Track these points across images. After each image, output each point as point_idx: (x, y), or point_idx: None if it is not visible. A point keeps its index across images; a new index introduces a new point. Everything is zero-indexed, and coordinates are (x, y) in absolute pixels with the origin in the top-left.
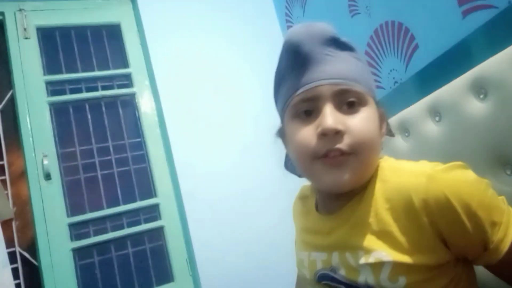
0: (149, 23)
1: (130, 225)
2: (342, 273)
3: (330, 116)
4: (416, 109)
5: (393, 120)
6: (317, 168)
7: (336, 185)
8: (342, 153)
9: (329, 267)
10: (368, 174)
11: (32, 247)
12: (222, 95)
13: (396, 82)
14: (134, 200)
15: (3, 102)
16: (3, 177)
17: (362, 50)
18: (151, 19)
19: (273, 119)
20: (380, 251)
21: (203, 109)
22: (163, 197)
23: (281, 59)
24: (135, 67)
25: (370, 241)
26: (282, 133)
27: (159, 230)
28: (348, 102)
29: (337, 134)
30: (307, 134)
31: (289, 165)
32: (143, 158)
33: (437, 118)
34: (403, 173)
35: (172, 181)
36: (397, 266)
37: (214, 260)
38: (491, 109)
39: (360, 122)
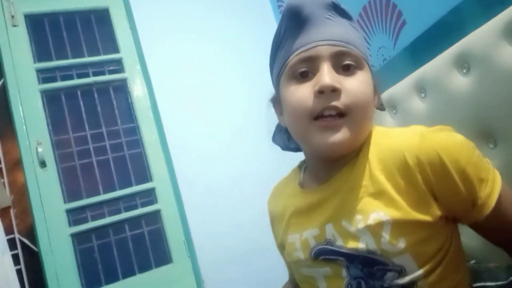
0: (137, 6)
1: (127, 209)
2: (339, 243)
3: (327, 75)
4: (402, 86)
5: (382, 98)
6: (313, 130)
7: (330, 146)
8: (338, 112)
9: (323, 241)
10: (361, 137)
11: (31, 233)
12: (214, 78)
13: (385, 59)
14: (130, 185)
15: None
16: None
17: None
18: (140, 2)
19: (267, 100)
20: (378, 212)
21: (195, 92)
22: (159, 181)
23: (280, 24)
24: (126, 52)
25: (367, 203)
26: (275, 101)
27: (156, 214)
28: (345, 64)
29: (334, 92)
30: (304, 93)
31: (277, 137)
32: (137, 143)
33: (422, 95)
34: (395, 135)
35: (167, 165)
36: (396, 226)
37: (211, 241)
38: (474, 83)
39: (356, 84)
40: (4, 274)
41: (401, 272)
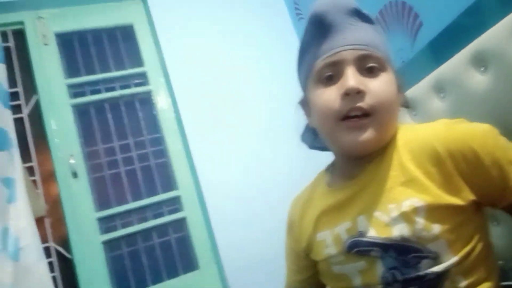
0: (160, 22)
1: (154, 217)
2: (372, 233)
3: (352, 77)
4: (421, 87)
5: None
6: (340, 130)
7: (358, 145)
8: (363, 113)
9: (356, 233)
10: (388, 135)
11: (65, 241)
12: (235, 87)
13: (403, 61)
14: (156, 193)
15: (29, 107)
16: (33, 178)
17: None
18: (162, 18)
19: (289, 109)
20: (411, 199)
21: (217, 102)
22: (184, 189)
23: (305, 31)
24: (150, 65)
25: (398, 192)
26: (304, 103)
27: (182, 221)
28: (369, 67)
29: (359, 93)
30: (331, 95)
31: (306, 136)
32: (162, 153)
33: (441, 95)
34: (421, 128)
35: (191, 173)
36: (430, 211)
37: (237, 247)
38: (492, 81)
39: (380, 85)
40: (40, 281)
41: (436, 259)
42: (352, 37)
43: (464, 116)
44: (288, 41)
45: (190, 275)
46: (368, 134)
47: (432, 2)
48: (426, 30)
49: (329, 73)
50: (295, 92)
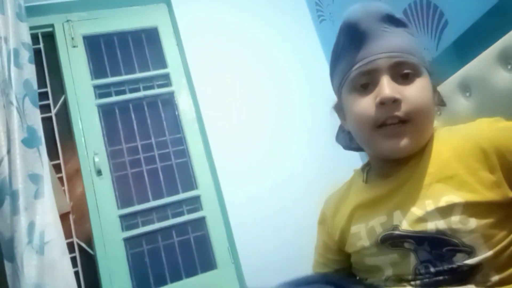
0: (184, 25)
1: (174, 216)
2: (406, 227)
3: (387, 86)
4: (446, 87)
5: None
6: (377, 137)
7: (395, 151)
8: (400, 120)
9: (390, 227)
10: (424, 140)
11: (88, 237)
12: (255, 89)
13: (428, 61)
14: (177, 193)
15: (57, 107)
16: (60, 175)
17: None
18: (186, 21)
19: (309, 112)
20: (450, 195)
21: (238, 103)
22: (204, 189)
23: (338, 39)
24: (173, 67)
25: (436, 188)
26: (338, 108)
27: (201, 220)
28: (404, 73)
29: (395, 102)
30: (366, 104)
31: (341, 137)
32: (183, 153)
33: (467, 94)
34: (461, 127)
35: (211, 174)
36: (467, 207)
37: (254, 248)
38: None
39: (415, 91)
40: (63, 275)
41: (471, 253)
42: (386, 45)
43: (491, 114)
44: (310, 43)
45: (208, 274)
46: (406, 141)
47: (458, 1)
48: (451, 29)
49: (364, 82)
50: (316, 95)
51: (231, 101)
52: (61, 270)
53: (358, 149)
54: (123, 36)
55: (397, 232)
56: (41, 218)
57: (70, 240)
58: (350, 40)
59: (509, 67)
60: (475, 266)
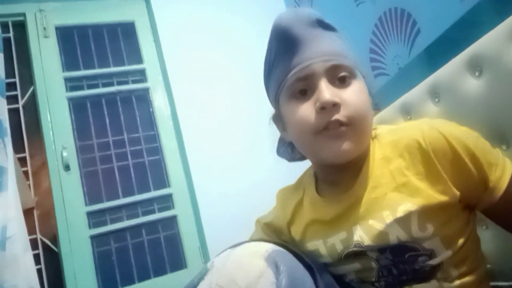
0: (161, 20)
1: (144, 214)
2: (368, 243)
3: (326, 91)
4: (416, 92)
5: (396, 104)
6: (319, 141)
7: (338, 155)
8: (341, 123)
9: (352, 244)
10: (365, 143)
11: (52, 234)
12: (231, 89)
13: (400, 67)
14: (148, 190)
15: (25, 98)
16: (25, 168)
17: (367, 38)
18: (164, 17)
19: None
20: (405, 203)
21: (213, 102)
22: (176, 187)
23: (270, 45)
24: (149, 63)
25: (391, 198)
26: (276, 118)
27: (172, 219)
28: (340, 77)
29: (334, 106)
30: (306, 110)
31: (282, 151)
32: (156, 150)
33: (436, 99)
34: (404, 128)
35: (184, 172)
36: (423, 213)
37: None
38: (487, 85)
39: (353, 94)
40: (25, 272)
41: (431, 255)
42: (320, 49)
43: (458, 120)
44: None
45: (177, 273)
46: (348, 144)
47: (430, 9)
48: (423, 37)
49: (302, 88)
50: None
51: (207, 100)
52: (23, 267)
53: (302, 158)
54: (98, 29)
55: (359, 249)
56: (3, 212)
57: (33, 236)
58: (283, 47)
59: (477, 73)
60: (436, 265)
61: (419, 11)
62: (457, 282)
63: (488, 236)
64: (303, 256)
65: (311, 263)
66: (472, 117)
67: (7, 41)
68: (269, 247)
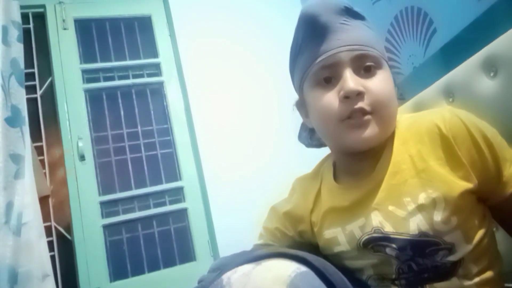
0: (178, 15)
1: (156, 206)
2: (388, 229)
3: (351, 80)
4: (431, 92)
5: (410, 103)
6: (341, 129)
7: (360, 141)
8: (364, 112)
9: (371, 229)
10: (388, 132)
11: (66, 223)
12: (245, 83)
13: (415, 67)
14: (160, 183)
15: (43, 88)
16: (41, 157)
17: (382, 37)
18: (180, 11)
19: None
20: (427, 191)
21: (227, 97)
22: (188, 180)
23: (297, 32)
24: (164, 57)
25: (412, 184)
26: (300, 104)
27: (183, 212)
28: (366, 66)
29: (359, 95)
30: (330, 98)
31: (303, 136)
32: (169, 143)
33: (450, 99)
34: (425, 114)
35: (196, 166)
36: (447, 202)
37: (235, 242)
38: (501, 86)
39: (378, 83)
40: (39, 258)
41: (451, 249)
42: (347, 38)
43: None
44: None
45: (186, 265)
46: (370, 130)
47: (447, 9)
48: (439, 36)
49: (327, 75)
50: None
51: (221, 95)
52: (37, 253)
53: (319, 145)
54: (115, 22)
55: (378, 235)
56: (20, 198)
57: (48, 223)
58: (310, 35)
59: (492, 74)
60: (457, 261)
61: (435, 10)
62: (477, 279)
63: (499, 238)
64: (324, 272)
65: (333, 280)
66: (486, 117)
67: (27, 32)
68: (291, 270)
